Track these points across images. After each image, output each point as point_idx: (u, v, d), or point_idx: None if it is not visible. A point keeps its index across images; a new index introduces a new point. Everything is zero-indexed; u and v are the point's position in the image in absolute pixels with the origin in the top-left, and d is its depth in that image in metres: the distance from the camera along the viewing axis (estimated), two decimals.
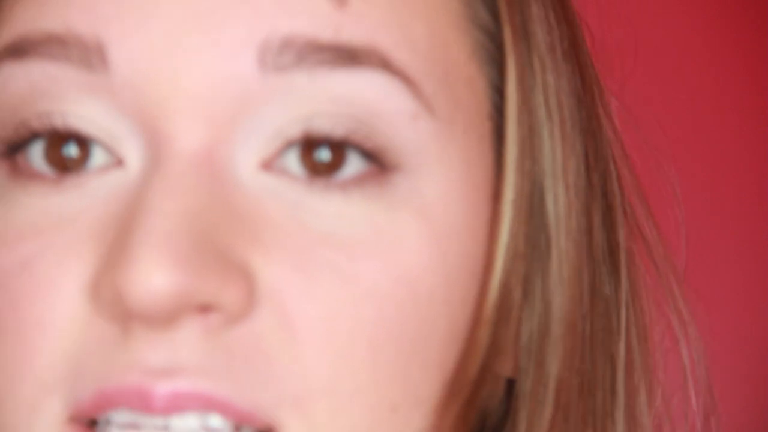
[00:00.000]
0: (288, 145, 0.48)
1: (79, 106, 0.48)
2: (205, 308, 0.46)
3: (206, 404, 0.45)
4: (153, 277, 0.44)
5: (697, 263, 0.93)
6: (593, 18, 0.64)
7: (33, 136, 0.49)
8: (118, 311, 0.45)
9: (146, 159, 0.48)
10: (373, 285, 0.47)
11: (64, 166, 0.49)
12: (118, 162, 0.48)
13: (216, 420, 0.46)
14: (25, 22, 0.49)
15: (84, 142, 0.49)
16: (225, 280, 0.45)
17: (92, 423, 0.47)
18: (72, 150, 0.49)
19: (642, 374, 0.58)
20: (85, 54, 0.47)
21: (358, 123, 0.48)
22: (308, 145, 0.48)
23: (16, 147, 0.49)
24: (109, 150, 0.48)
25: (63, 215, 0.48)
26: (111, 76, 0.47)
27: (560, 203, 0.52)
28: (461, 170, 0.50)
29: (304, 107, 0.48)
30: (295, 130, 0.48)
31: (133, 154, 0.48)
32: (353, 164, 0.48)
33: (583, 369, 0.53)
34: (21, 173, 0.49)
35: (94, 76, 0.48)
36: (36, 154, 0.49)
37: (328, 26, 0.47)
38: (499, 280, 0.50)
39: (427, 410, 0.49)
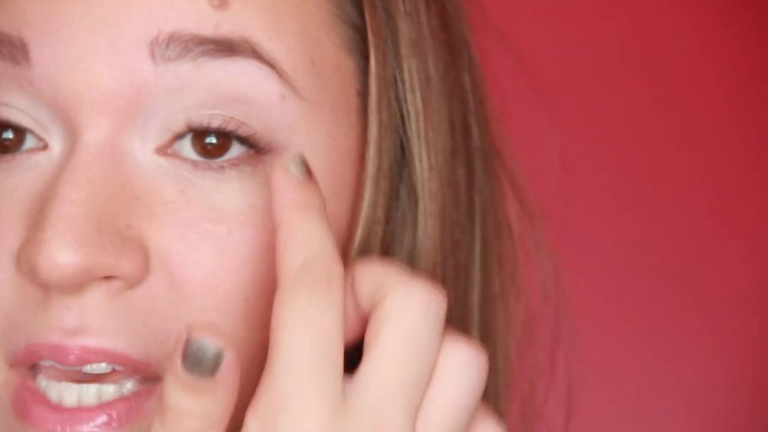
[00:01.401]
0: (177, 137, 0.57)
1: (11, 96, 0.57)
2: (107, 277, 0.56)
3: (108, 357, 0.56)
4: (58, 256, 0.54)
5: (698, 263, 1.00)
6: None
7: None
8: (36, 281, 0.55)
9: (64, 145, 0.57)
10: (248, 252, 0.57)
11: (3, 148, 0.58)
12: (45, 146, 0.58)
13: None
14: None
15: (18, 128, 0.58)
16: (121, 255, 0.55)
17: (29, 369, 0.57)
18: (9, 134, 0.58)
19: (499, 298, 0.68)
20: (12, 50, 0.57)
21: (233, 112, 0.57)
22: (198, 132, 0.57)
23: None
24: (36, 136, 0.58)
25: (2, 191, 0.58)
26: (32, 70, 0.57)
27: (424, 165, 0.62)
28: (327, 143, 0.59)
29: (188, 97, 0.57)
30: (180, 125, 0.57)
31: (55, 140, 0.57)
32: (236, 148, 0.57)
33: None
34: None
35: (19, 70, 0.57)
36: None
37: (208, 23, 0.56)
38: (359, 241, 0.60)
39: None
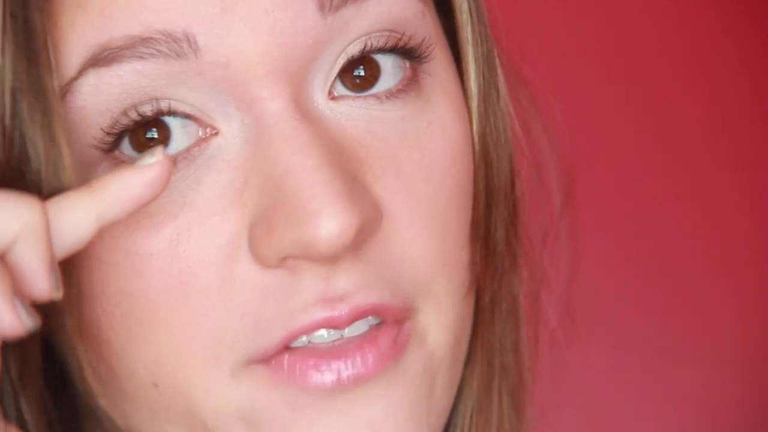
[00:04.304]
0: (348, 62, 0.56)
1: (173, 92, 0.53)
2: None
3: (375, 312, 0.55)
4: (337, 223, 0.52)
5: (697, 261, 1.03)
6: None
7: (123, 131, 0.54)
8: (311, 257, 0.53)
9: (240, 123, 0.54)
10: (441, 171, 0.57)
11: (147, 148, 0.54)
12: (215, 132, 0.54)
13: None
14: (98, 33, 0.53)
15: (162, 124, 0.54)
16: (374, 208, 0.55)
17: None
18: (154, 133, 0.54)
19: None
20: (173, 46, 0.53)
21: (396, 33, 0.57)
22: (344, 68, 0.57)
23: (111, 145, 0.54)
24: (201, 124, 0.54)
25: (184, 192, 0.54)
26: (201, 59, 0.53)
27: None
28: (447, 48, 0.61)
29: (350, 35, 0.56)
30: (356, 49, 0.56)
31: (225, 123, 0.54)
32: (386, 74, 0.57)
33: None
34: (125, 163, 0.54)
35: (184, 63, 0.53)
36: (125, 145, 0.55)
37: None
38: (477, 133, 0.61)
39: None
